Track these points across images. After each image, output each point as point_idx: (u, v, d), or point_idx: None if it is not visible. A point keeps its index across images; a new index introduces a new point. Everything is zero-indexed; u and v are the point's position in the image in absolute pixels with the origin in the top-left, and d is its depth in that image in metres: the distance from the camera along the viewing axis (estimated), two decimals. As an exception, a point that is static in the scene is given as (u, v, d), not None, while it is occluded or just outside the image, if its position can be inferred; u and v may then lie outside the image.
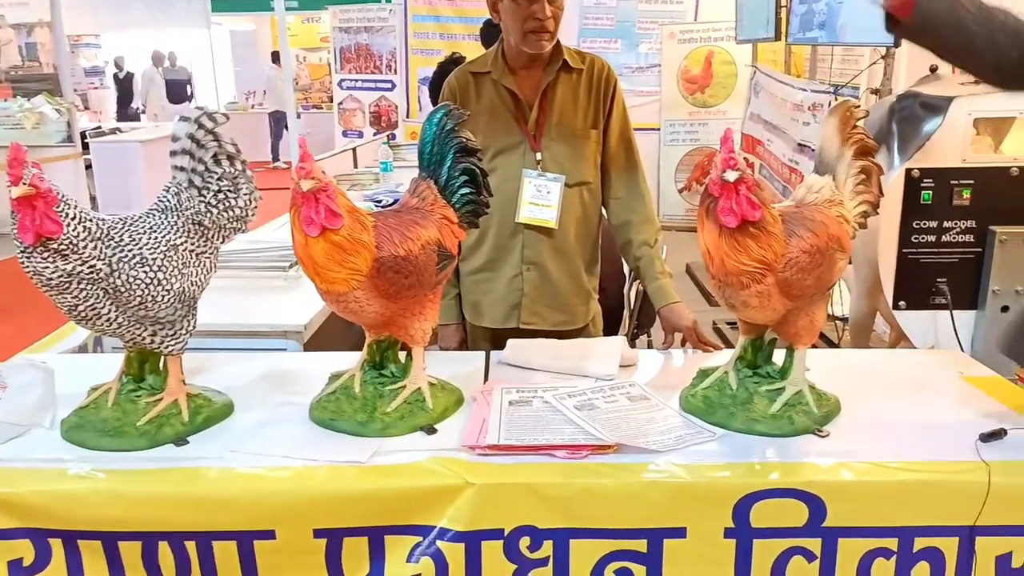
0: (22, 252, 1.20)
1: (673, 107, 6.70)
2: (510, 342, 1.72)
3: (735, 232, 1.24)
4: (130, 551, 1.22)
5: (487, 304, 1.89)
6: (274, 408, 1.48)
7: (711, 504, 1.18)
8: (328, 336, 2.28)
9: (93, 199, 7.79)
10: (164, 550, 1.22)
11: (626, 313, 2.54)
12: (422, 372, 1.45)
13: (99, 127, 9.29)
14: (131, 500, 1.21)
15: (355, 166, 5.30)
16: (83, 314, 1.27)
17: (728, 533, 1.17)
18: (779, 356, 1.44)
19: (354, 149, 5.42)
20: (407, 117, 7.34)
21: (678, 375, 1.59)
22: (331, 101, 10.43)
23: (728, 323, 3.60)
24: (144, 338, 1.34)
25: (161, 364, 1.43)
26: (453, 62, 3.13)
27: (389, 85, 7.34)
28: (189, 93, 12.20)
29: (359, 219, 1.29)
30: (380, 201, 3.56)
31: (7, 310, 5.15)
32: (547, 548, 1.20)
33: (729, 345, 1.75)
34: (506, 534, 1.20)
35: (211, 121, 1.38)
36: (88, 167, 7.72)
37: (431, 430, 1.38)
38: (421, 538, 1.22)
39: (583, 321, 1.92)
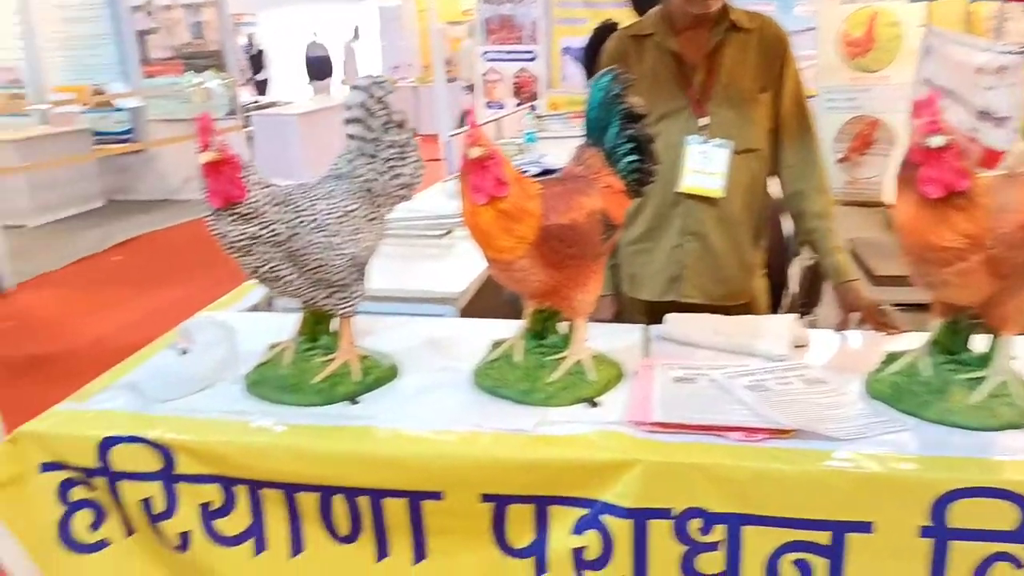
0: (211, 216, 1.27)
1: (831, 72, 6.22)
2: (670, 316, 1.66)
3: (939, 203, 1.12)
4: (307, 503, 1.28)
5: (645, 276, 1.84)
6: (437, 372, 1.50)
7: (904, 499, 1.09)
8: (482, 303, 2.31)
9: (253, 169, 8.28)
10: (338, 504, 1.27)
11: (788, 290, 2.41)
12: (584, 344, 1.42)
13: (257, 101, 9.86)
14: (309, 455, 1.26)
15: (499, 137, 5.33)
16: (264, 275, 1.33)
17: (924, 532, 1.08)
18: (978, 342, 1.31)
19: (498, 120, 5.44)
20: (548, 87, 7.29)
21: (857, 358, 1.48)
22: (473, 73, 10.58)
23: (896, 305, 3.32)
24: (319, 300, 1.39)
25: (334, 325, 1.48)
26: (608, 28, 3.05)
27: (531, 56, 7.31)
28: (330, 69, 12.63)
29: (525, 187, 1.27)
30: (526, 172, 3.55)
31: (179, 273, 5.59)
32: (719, 532, 1.16)
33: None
34: (675, 514, 1.17)
35: (381, 89, 1.40)
36: (249, 138, 8.22)
37: (593, 403, 1.35)
38: (587, 511, 1.21)
39: (746, 297, 1.83)
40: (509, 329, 1.61)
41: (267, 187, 1.29)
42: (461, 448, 1.24)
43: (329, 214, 1.34)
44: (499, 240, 1.25)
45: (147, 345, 1.66)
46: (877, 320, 1.61)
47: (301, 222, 1.31)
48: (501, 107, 7.44)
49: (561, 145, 4.76)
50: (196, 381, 1.44)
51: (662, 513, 1.18)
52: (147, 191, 8.03)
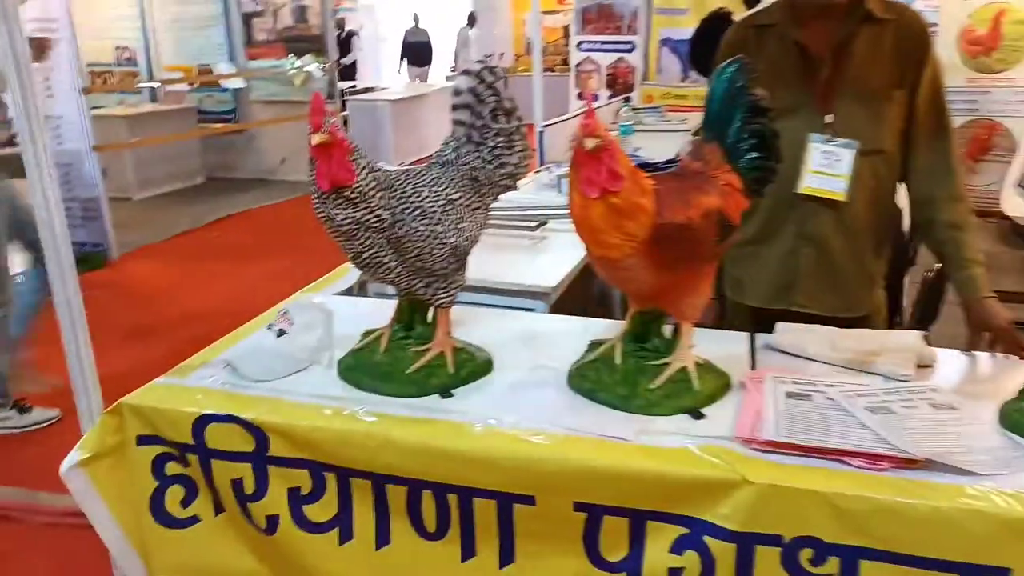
0: (317, 198, 1.25)
1: (950, 72, 5.87)
2: (780, 325, 1.56)
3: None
4: (396, 495, 1.26)
5: (753, 281, 1.74)
6: (531, 370, 1.45)
7: (1053, 548, 0.97)
8: (572, 299, 2.25)
9: (346, 152, 8.44)
10: (427, 499, 1.24)
11: (901, 304, 2.25)
12: (689, 350, 1.35)
13: (354, 85, 10.04)
14: (400, 447, 1.24)
15: (592, 128, 5.23)
16: (365, 261, 1.31)
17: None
18: None
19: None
20: (644, 80, 7.14)
21: (990, 383, 1.36)
22: (564, 64, 10.47)
23: (1018, 324, 3.07)
24: (418, 289, 1.36)
25: (430, 315, 1.45)
26: (719, 17, 2.93)
27: (628, 46, 7.17)
28: (430, 56, 12.40)
29: (639, 182, 1.20)
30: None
31: (272, 251, 5.74)
32: (832, 565, 1.07)
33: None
34: (785, 542, 1.08)
35: (492, 75, 1.35)
36: (345, 122, 8.37)
37: (698, 414, 1.28)
38: (687, 530, 1.14)
39: (864, 310, 1.71)
40: (606, 329, 1.55)
41: (374, 172, 1.26)
42: (556, 452, 1.19)
43: (433, 202, 1.30)
44: (608, 237, 1.19)
45: (245, 324, 1.68)
46: (1013, 342, 1.47)
47: (405, 209, 1.28)
48: (595, 98, 7.33)
49: (655, 139, 4.64)
50: (291, 363, 1.43)
51: (771, 539, 1.10)
52: (245, 170, 8.29)
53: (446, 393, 1.36)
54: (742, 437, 1.19)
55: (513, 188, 1.44)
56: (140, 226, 6.38)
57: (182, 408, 1.33)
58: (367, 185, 1.24)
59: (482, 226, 1.40)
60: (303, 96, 7.79)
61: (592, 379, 1.35)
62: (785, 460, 1.14)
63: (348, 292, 2.03)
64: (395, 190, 1.29)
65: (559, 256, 2.27)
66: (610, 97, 7.13)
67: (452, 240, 1.32)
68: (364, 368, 1.40)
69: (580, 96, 7.67)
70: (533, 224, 2.53)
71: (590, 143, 1.14)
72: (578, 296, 2.41)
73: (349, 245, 1.29)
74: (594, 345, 1.44)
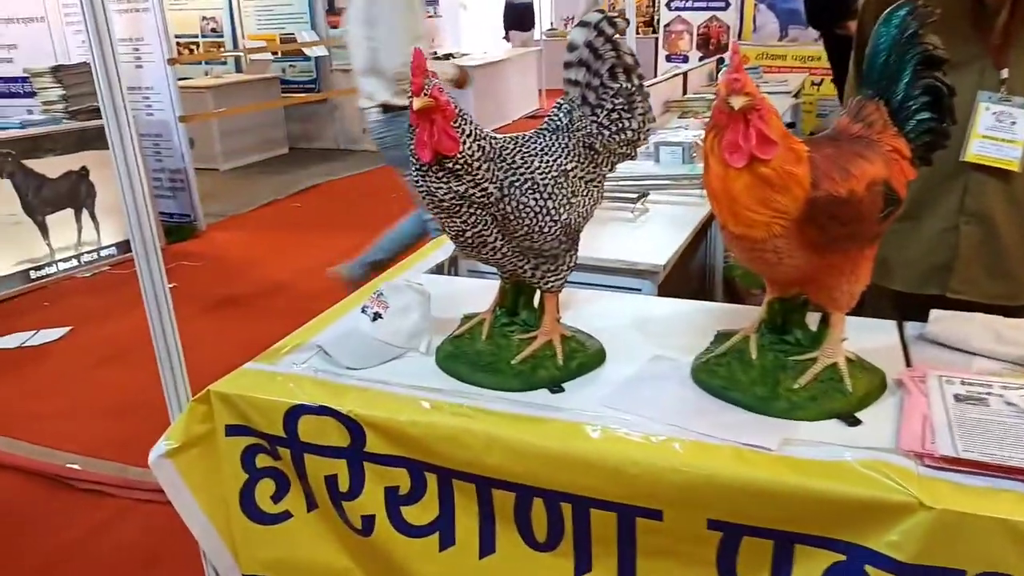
0: (417, 170, 1.13)
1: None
2: (936, 313, 1.37)
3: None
4: (503, 501, 1.14)
5: (901, 261, 1.54)
6: (648, 362, 1.31)
7: None
8: (676, 279, 2.08)
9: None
10: (538, 507, 1.12)
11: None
12: (840, 344, 1.18)
13: (435, 52, 9.93)
14: (507, 448, 1.12)
15: (684, 92, 4.99)
16: (468, 240, 1.18)
17: None
18: None
19: (684, 74, 5.09)
20: (739, 38, 6.79)
21: None
22: (647, 26, 10.08)
23: None
24: (525, 271, 1.23)
25: (536, 299, 1.33)
26: (840, -35, 2.66)
27: (723, 4, 6.82)
28: (532, 18, 11.26)
29: (793, 147, 1.03)
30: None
31: (354, 221, 5.72)
32: (1030, 610, 0.89)
33: None
34: (970, 579, 0.91)
35: (611, 27, 1.20)
36: (424, 90, 8.27)
37: (853, 420, 1.11)
38: (843, 556, 0.98)
39: (1031, 297, 1.49)
40: (730, 316, 1.39)
41: (480, 140, 1.12)
42: (688, 462, 1.04)
43: (544, 174, 1.17)
44: (753, 212, 1.03)
45: (336, 304, 1.59)
46: None
47: (514, 182, 1.14)
48: (685, 60, 7.02)
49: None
50: (387, 350, 1.33)
51: (951, 574, 0.93)
52: (328, 140, 8.33)
53: (556, 387, 1.23)
54: (911, 451, 1.01)
55: (632, 157, 1.29)
56: (226, 197, 6.48)
57: (273, 397, 1.24)
58: (473, 155, 1.11)
59: (597, 201, 1.26)
60: (383, 64, 7.74)
61: (723, 375, 1.19)
62: (966, 480, 0.97)
63: (438, 270, 1.92)
64: (503, 160, 1.15)
65: (664, 231, 2.10)
66: (701, 59, 6.81)
67: (564, 216, 1.18)
68: (464, 358, 1.29)
69: (668, 58, 7.36)
70: (634, 196, 2.36)
71: (738, 101, 0.97)
72: (681, 275, 2.24)
73: (451, 222, 1.16)
74: (722, 336, 1.28)
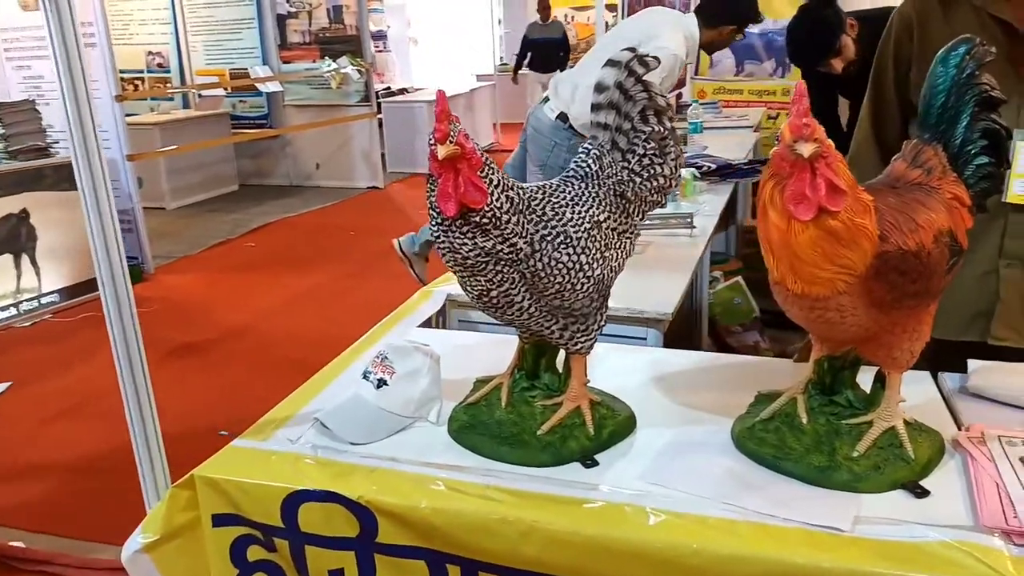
0: (439, 225, 1.01)
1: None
2: (976, 364, 1.30)
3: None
4: (540, 596, 1.01)
5: (939, 308, 1.46)
6: (684, 426, 1.21)
7: None
8: (680, 327, 1.99)
9: (383, 156, 8.26)
10: (582, 603, 0.99)
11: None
12: (897, 406, 1.09)
13: (388, 88, 9.85)
14: (546, 537, 0.99)
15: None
16: (494, 301, 1.06)
17: None
18: None
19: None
20: (696, 75, 6.85)
21: None
22: (601, 61, 10.15)
23: None
24: (552, 332, 1.12)
25: (559, 359, 1.22)
26: (823, 4, 2.65)
27: (679, 40, 6.89)
28: (565, 57, 9.11)
29: (860, 198, 0.94)
30: (701, 167, 3.19)
31: (312, 260, 5.54)
32: None
33: None
34: None
35: (643, 67, 1.11)
36: (380, 126, 8.17)
37: (920, 491, 1.02)
38: (936, 652, 0.88)
39: (1075, 343, 1.43)
40: (765, 372, 1.30)
41: (510, 190, 1.01)
42: (754, 547, 0.93)
43: (577, 226, 1.06)
44: (817, 269, 0.93)
45: (330, 364, 1.46)
46: None
47: (545, 236, 1.03)
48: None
49: (717, 137, 4.38)
50: (394, 422, 1.20)
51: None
52: (280, 176, 8.13)
53: (589, 461, 1.11)
54: (998, 527, 0.92)
55: (663, 205, 1.20)
56: (175, 237, 6.23)
57: (268, 482, 1.10)
58: (501, 207, 1.00)
59: (629, 253, 1.16)
60: (339, 99, 7.62)
61: (773, 443, 1.09)
62: (1063, 560, 0.88)
63: (427, 324, 1.79)
64: (532, 212, 1.04)
65: (664, 275, 2.01)
66: (659, 94, 6.84)
67: (598, 272, 1.08)
68: (483, 428, 1.16)
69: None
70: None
71: (807, 149, 0.88)
72: (676, 318, 2.15)
73: (475, 282, 1.05)
74: (764, 398, 1.19)
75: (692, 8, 3.13)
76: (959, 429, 1.15)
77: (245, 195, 7.75)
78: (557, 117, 3.03)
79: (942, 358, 1.35)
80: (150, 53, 7.99)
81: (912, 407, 1.16)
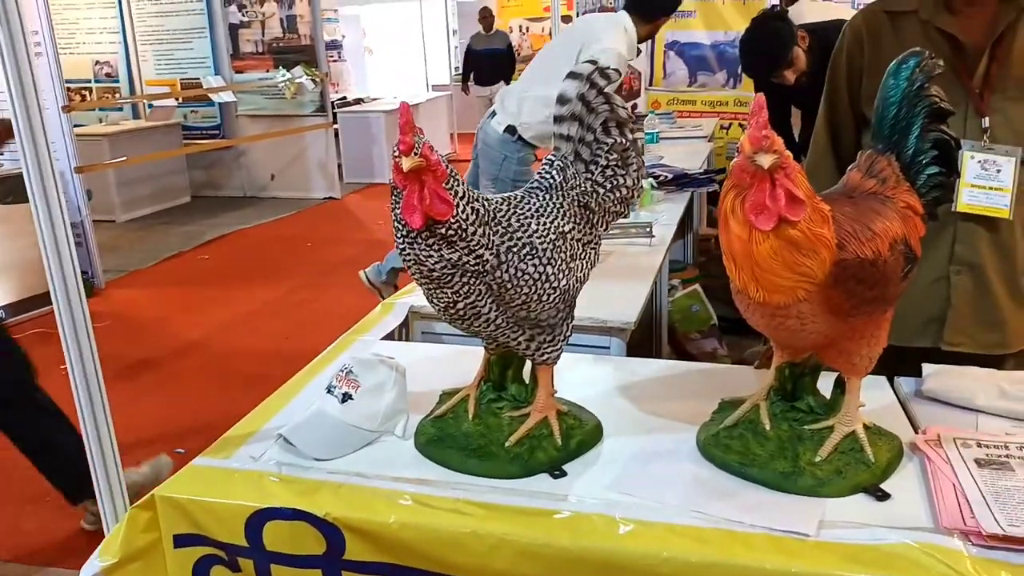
0: (404, 237, 1.00)
1: None
2: (930, 368, 1.34)
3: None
4: (515, 608, 1.00)
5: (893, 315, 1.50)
6: (650, 434, 1.22)
7: None
8: (641, 336, 2.01)
9: (340, 166, 8.20)
10: (553, 615, 0.99)
11: None
12: (857, 410, 1.11)
13: (344, 98, 9.78)
14: (517, 550, 0.99)
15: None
16: (460, 313, 1.06)
17: None
18: None
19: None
20: (650, 85, 6.95)
21: None
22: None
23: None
24: (519, 343, 1.12)
25: (525, 370, 1.22)
26: (774, 17, 2.72)
27: (635, 51, 6.98)
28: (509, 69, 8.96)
29: (818, 207, 0.96)
30: (658, 177, 3.24)
31: (267, 273, 5.47)
32: None
33: None
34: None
35: (604, 79, 1.12)
36: (336, 136, 8.11)
37: (881, 494, 1.04)
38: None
39: (1021, 343, 1.48)
40: (725, 379, 1.32)
41: (475, 202, 1.01)
42: (724, 554, 0.94)
43: (543, 237, 1.06)
44: (777, 277, 0.95)
45: (292, 378, 1.44)
46: None
47: (511, 247, 1.04)
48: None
49: (674, 147, 4.45)
50: (360, 436, 1.19)
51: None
52: (234, 188, 8.01)
53: (557, 471, 1.11)
54: (957, 528, 0.95)
55: (625, 215, 1.21)
56: (126, 250, 6.09)
57: (232, 500, 1.08)
58: (467, 219, 1.00)
59: (594, 263, 1.16)
60: (293, 109, 7.55)
61: (738, 450, 1.10)
62: (1018, 559, 0.91)
63: (391, 337, 1.77)
64: (498, 224, 1.04)
65: (624, 284, 2.03)
66: (615, 104, 6.92)
67: (564, 283, 1.08)
68: (451, 441, 1.16)
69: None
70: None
71: (766, 160, 0.90)
72: (648, 332, 2.18)
73: (440, 294, 1.04)
74: (727, 405, 1.20)
75: (623, 5, 3.17)
76: (916, 432, 1.18)
77: (198, 207, 7.61)
78: (505, 130, 3.06)
79: (898, 364, 1.39)
80: (98, 63, 7.81)
81: (871, 411, 1.18)
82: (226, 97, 7.03)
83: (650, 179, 3.06)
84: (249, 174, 8.01)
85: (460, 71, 9.95)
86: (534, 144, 3.14)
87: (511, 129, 3.05)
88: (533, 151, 3.18)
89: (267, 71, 7.57)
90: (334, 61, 13.70)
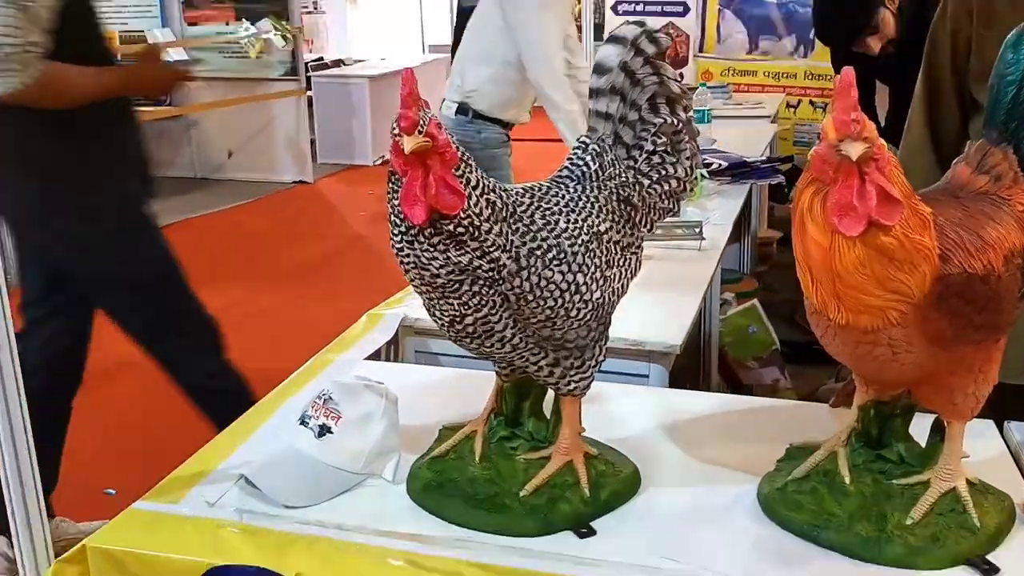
0: (403, 235, 1.01)
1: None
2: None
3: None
4: None
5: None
6: (701, 486, 1.23)
7: None
8: (686, 362, 2.02)
9: (313, 143, 8.24)
10: None
11: None
12: (959, 462, 1.11)
13: (320, 59, 9.84)
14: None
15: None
16: (469, 329, 1.07)
17: None
18: None
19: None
20: (700, 51, 6.98)
21: None
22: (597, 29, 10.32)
23: None
24: (540, 368, 1.13)
25: (546, 402, 1.24)
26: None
27: (680, 9, 7.00)
28: None
29: (918, 209, 0.96)
30: (710, 165, 3.25)
31: (221, 274, 5.50)
32: None
33: None
34: None
35: (653, 45, 1.13)
36: (310, 105, 8.16)
37: (989, 567, 1.04)
38: None
39: None
40: (792, 417, 1.33)
41: (489, 193, 1.02)
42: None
43: (573, 238, 1.07)
44: (865, 295, 0.96)
45: (255, 406, 1.47)
46: None
47: (534, 250, 1.04)
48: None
49: (729, 128, 4.46)
50: (342, 479, 1.20)
51: None
52: (182, 167, 8.06)
53: (584, 530, 1.13)
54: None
55: (675, 212, 1.23)
56: (48, 241, 6.13)
57: (181, 555, 1.10)
58: (481, 214, 1.01)
59: (634, 272, 1.18)
60: (258, 71, 7.60)
61: (811, 509, 1.11)
62: None
63: (373, 356, 1.78)
64: (519, 220, 1.05)
65: (668, 298, 2.04)
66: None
67: (597, 295, 1.09)
68: (453, 487, 1.18)
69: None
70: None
71: (854, 149, 0.90)
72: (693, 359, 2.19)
73: (444, 305, 1.05)
74: (796, 451, 1.21)
75: None
76: (1031, 490, 1.18)
77: (137, 190, 7.66)
78: (457, 112, 3.14)
79: (1009, 405, 1.39)
80: (19, 9, 7.89)
81: (976, 463, 1.19)
82: (176, 55, 7.07)
83: (700, 168, 3.08)
84: (202, 151, 8.06)
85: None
86: (498, 119, 3.15)
87: (463, 109, 3.13)
88: (502, 129, 3.21)
89: (227, 24, 7.63)
90: (309, 13, 13.78)
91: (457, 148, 1.01)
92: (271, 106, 7.65)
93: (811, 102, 6.62)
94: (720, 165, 3.22)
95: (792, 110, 6.67)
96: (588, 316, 1.09)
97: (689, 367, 2.72)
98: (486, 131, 3.14)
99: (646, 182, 1.15)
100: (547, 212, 1.08)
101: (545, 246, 1.05)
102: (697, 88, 4.39)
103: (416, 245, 1.01)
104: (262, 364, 3.89)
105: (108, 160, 2.22)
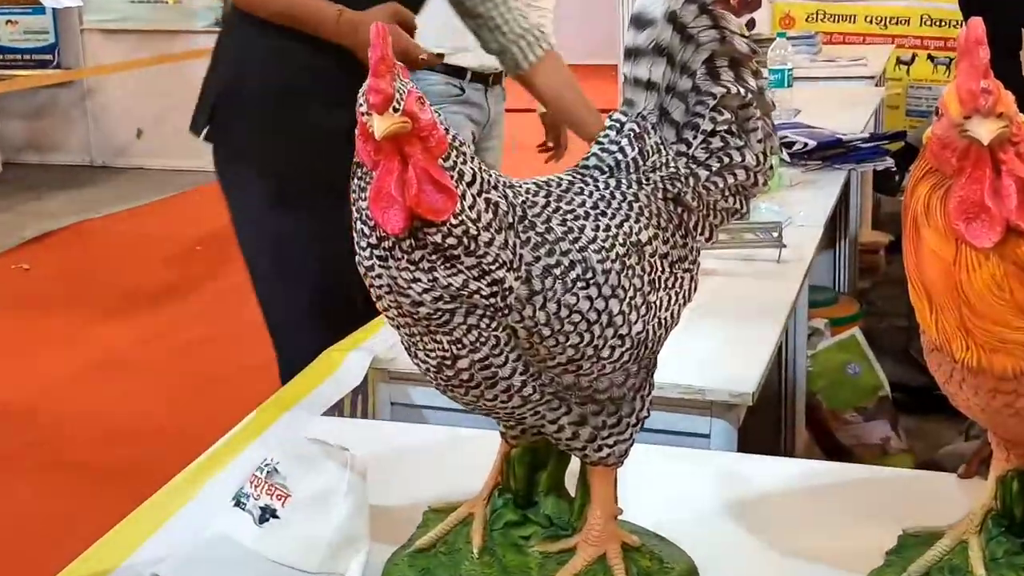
0: (372, 249, 1.03)
1: None
2: None
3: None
4: None
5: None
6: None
7: None
8: (761, 415, 2.04)
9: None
10: None
11: None
12: None
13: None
14: None
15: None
16: (462, 376, 1.09)
17: None
18: None
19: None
20: (777, -10, 7.06)
21: None
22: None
23: None
24: (561, 429, 1.15)
25: (570, 476, 1.27)
26: None
27: (751, -68, 7.08)
28: None
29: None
30: (792, 145, 3.28)
31: (126, 294, 5.56)
32: None
33: None
34: None
35: (710, -5, 1.16)
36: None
37: None
38: None
39: None
40: (907, 491, 1.34)
41: (489, 190, 1.04)
42: None
43: (604, 251, 1.09)
44: (1004, 327, 0.98)
45: (175, 479, 1.49)
46: None
47: (551, 267, 1.06)
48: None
49: (814, 94, 4.50)
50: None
51: None
52: (76, 150, 8.16)
53: (620, 654, 1.15)
54: None
55: (744, 214, 1.25)
56: None
57: None
58: (478, 219, 1.02)
59: (688, 296, 1.20)
60: (177, 22, 7.70)
61: (933, 620, 1.13)
62: None
63: (338, 411, 1.81)
64: (531, 227, 1.07)
65: (738, 326, 2.06)
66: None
67: (638, 328, 1.11)
68: (442, 592, 1.20)
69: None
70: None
71: (986, 129, 0.92)
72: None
73: (431, 343, 1.07)
74: (911, 539, 1.23)
75: None
76: None
77: (15, 182, 7.77)
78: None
79: None
80: None
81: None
82: (66, 1, 7.18)
83: (779, 152, 3.11)
84: (101, 129, 8.17)
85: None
86: (460, 64, 3.24)
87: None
88: (458, 80, 3.32)
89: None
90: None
91: (447, 131, 1.03)
92: (193, 69, 7.73)
93: (930, 56, 6.66)
94: (806, 145, 3.25)
95: (905, 68, 6.72)
96: (626, 356, 1.11)
97: (766, 423, 2.74)
98: (440, 83, 3.26)
99: (703, 174, 1.17)
100: (568, 215, 1.10)
101: (566, 262, 1.07)
102: (774, 40, 4.43)
103: (391, 262, 1.02)
104: (186, 417, 3.95)
105: None
